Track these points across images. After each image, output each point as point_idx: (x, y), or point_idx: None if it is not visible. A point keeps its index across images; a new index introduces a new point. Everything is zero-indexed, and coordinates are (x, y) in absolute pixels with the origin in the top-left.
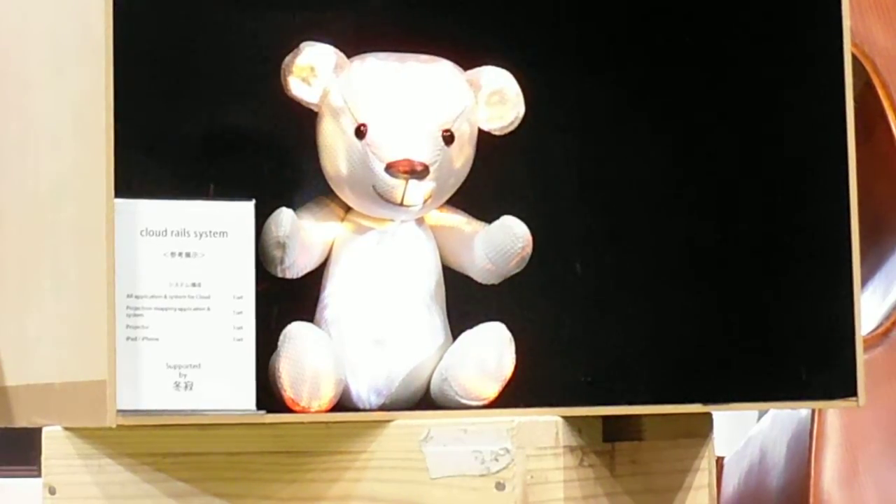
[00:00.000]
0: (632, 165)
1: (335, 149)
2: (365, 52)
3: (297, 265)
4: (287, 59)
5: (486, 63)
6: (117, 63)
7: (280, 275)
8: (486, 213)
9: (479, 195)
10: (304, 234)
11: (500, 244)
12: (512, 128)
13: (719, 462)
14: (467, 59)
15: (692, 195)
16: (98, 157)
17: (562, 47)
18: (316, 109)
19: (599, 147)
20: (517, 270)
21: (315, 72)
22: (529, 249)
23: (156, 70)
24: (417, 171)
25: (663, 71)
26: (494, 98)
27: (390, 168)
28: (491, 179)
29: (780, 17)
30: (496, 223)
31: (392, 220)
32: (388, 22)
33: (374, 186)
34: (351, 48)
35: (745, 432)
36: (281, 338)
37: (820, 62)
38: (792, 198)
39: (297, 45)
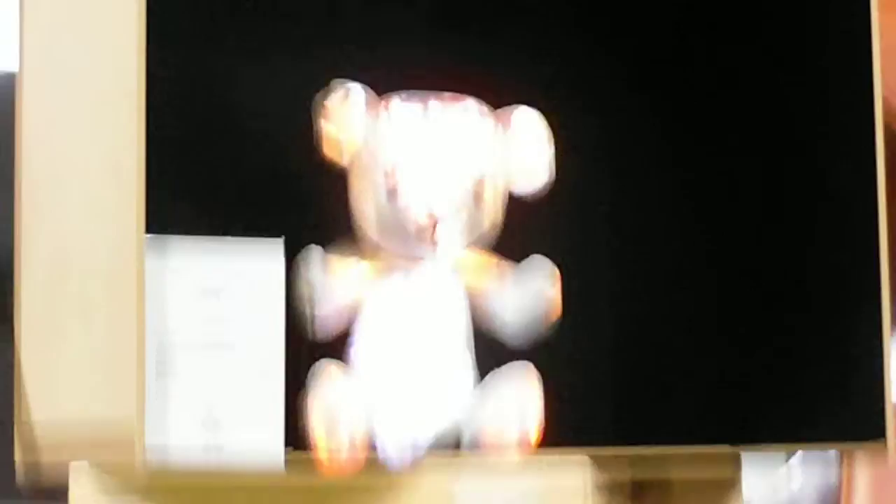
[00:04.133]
0: (662, 213)
1: (367, 196)
2: (398, 88)
3: (327, 308)
4: (318, 96)
5: (515, 103)
6: (150, 105)
7: (309, 312)
8: (515, 256)
9: (507, 237)
10: (334, 278)
11: (529, 287)
12: (543, 178)
13: None
14: (496, 98)
15: (722, 240)
16: (129, 195)
17: (597, 93)
18: (347, 159)
19: (629, 192)
20: (546, 312)
21: (346, 110)
22: (558, 290)
23: (187, 112)
24: (447, 218)
25: (698, 123)
26: (523, 137)
27: (421, 214)
28: (520, 222)
29: (811, 70)
30: (524, 265)
31: (422, 261)
32: (420, 59)
33: (404, 233)
34: (382, 86)
35: (774, 491)
36: (309, 376)
37: (852, 120)
38: (822, 241)
39: (327, 84)
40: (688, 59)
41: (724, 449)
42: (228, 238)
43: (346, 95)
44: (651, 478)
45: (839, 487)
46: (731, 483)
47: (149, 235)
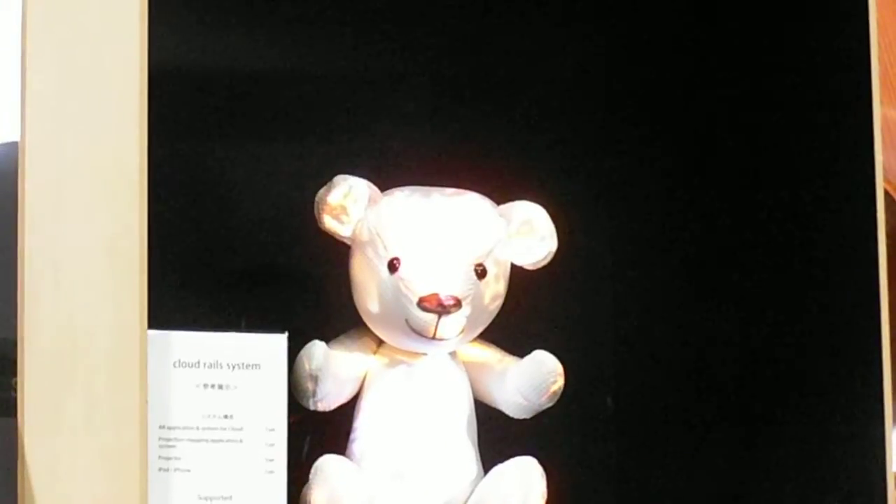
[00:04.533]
0: (666, 302)
1: (367, 283)
2: (399, 182)
3: (328, 398)
4: (321, 192)
5: (517, 198)
6: (151, 195)
7: (312, 408)
8: (519, 347)
9: (511, 328)
10: (336, 368)
11: (533, 379)
12: (544, 263)
13: None
14: (499, 192)
15: (726, 329)
16: (131, 288)
17: (598, 182)
18: (349, 243)
19: (632, 282)
20: (549, 405)
21: (348, 206)
22: (561, 384)
23: (189, 202)
24: (450, 307)
25: (699, 202)
26: (527, 233)
27: (423, 303)
28: (523, 313)
29: (812, 154)
30: (528, 358)
31: (424, 354)
32: (421, 153)
33: (406, 320)
34: (384, 180)
35: None
36: (312, 471)
37: (853, 197)
38: (823, 331)
39: (330, 178)
40: (695, 148)
41: None
42: (231, 334)
43: (349, 190)
44: None
45: None
46: None
47: (151, 331)
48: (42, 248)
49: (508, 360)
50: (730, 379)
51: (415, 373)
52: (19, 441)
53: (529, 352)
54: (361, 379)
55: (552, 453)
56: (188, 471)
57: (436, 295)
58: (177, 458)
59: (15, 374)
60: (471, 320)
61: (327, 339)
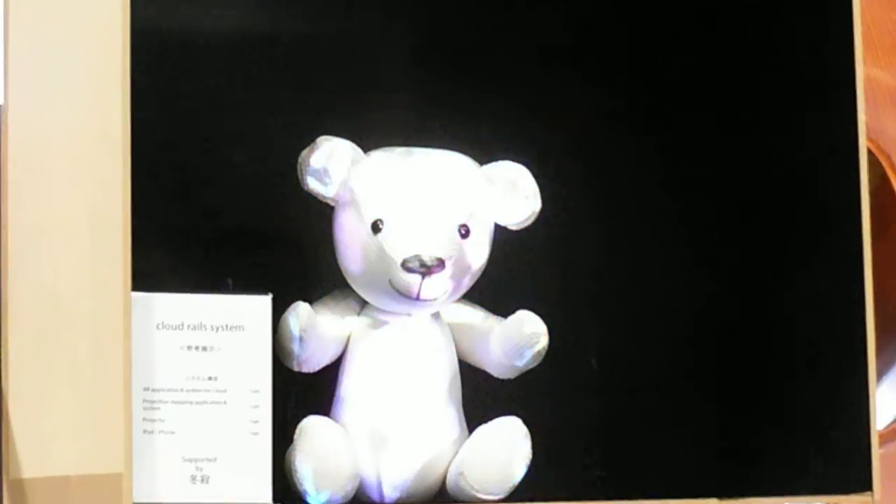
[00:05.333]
0: (649, 260)
1: (351, 244)
2: (381, 143)
3: (313, 359)
4: (303, 154)
5: (501, 157)
6: (134, 157)
7: (296, 369)
8: (502, 308)
9: (495, 289)
10: (320, 329)
11: (516, 340)
12: (528, 223)
13: None
14: (483, 153)
15: (708, 292)
16: (115, 249)
17: (580, 144)
18: (332, 204)
19: (616, 242)
20: (533, 365)
21: (331, 168)
22: (545, 344)
23: (172, 165)
24: (433, 267)
25: (683, 169)
26: (510, 192)
27: (406, 264)
28: (507, 273)
29: (796, 110)
30: (512, 318)
31: (408, 315)
32: (405, 114)
33: (390, 281)
34: (367, 141)
35: None
36: (297, 432)
37: (835, 155)
38: (807, 290)
39: (313, 139)
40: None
41: (712, 503)
42: (215, 296)
43: (332, 151)
44: None
45: None
46: None
47: (135, 293)
48: (25, 211)
49: (492, 321)
50: (713, 338)
51: (398, 334)
52: (3, 404)
53: (513, 312)
54: (345, 340)
55: (536, 414)
56: (172, 432)
57: (419, 256)
58: (161, 420)
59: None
60: (454, 280)
61: (311, 301)
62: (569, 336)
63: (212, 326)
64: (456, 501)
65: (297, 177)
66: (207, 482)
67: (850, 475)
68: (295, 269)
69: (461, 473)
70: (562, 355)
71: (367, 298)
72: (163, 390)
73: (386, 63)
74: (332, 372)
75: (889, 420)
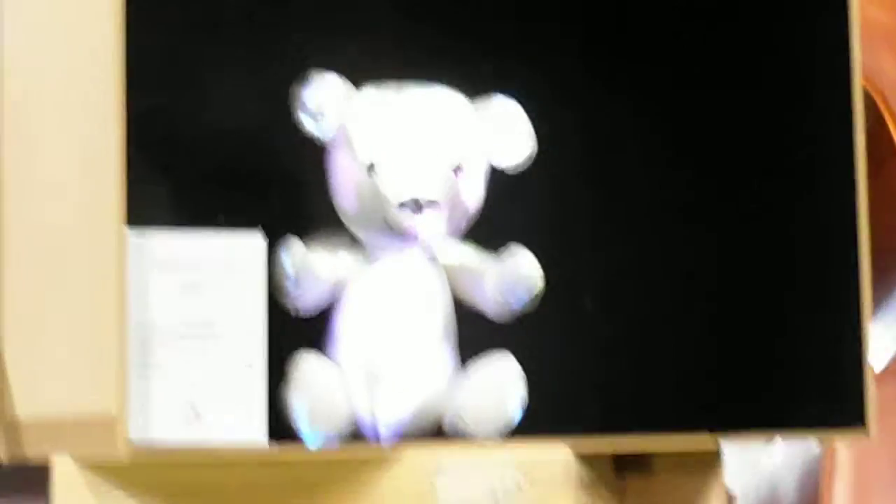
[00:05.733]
0: (643, 202)
1: (346, 184)
2: (373, 77)
3: (307, 297)
4: (296, 88)
5: (492, 93)
6: (128, 96)
7: (291, 307)
8: (498, 249)
9: (490, 230)
10: (315, 268)
11: (511, 280)
12: (523, 164)
13: (731, 499)
14: (474, 89)
15: (702, 230)
16: (110, 188)
17: (573, 80)
18: (326, 142)
19: (612, 184)
20: (528, 306)
21: (325, 104)
22: (541, 285)
23: (165, 104)
24: (428, 207)
25: (678, 108)
26: (504, 131)
27: (401, 203)
28: (503, 214)
29: (787, 50)
30: (507, 259)
31: (403, 254)
32: (398, 49)
33: (385, 220)
34: (358, 75)
35: (755, 467)
36: (292, 369)
37: (830, 94)
38: (802, 231)
39: (305, 74)
40: (670, 51)
41: (704, 438)
42: (208, 230)
43: (324, 85)
44: (633, 469)
45: (821, 459)
46: (713, 472)
47: (130, 229)
48: (18, 149)
49: (488, 262)
50: (708, 277)
51: (393, 273)
52: None
53: (509, 253)
54: (340, 279)
55: (531, 353)
56: (167, 371)
57: (414, 196)
58: (156, 359)
59: None
60: (449, 221)
61: (306, 240)
62: (564, 276)
63: (206, 265)
64: (452, 440)
65: (290, 115)
66: (202, 421)
67: (845, 411)
68: (290, 207)
69: (456, 412)
70: (557, 295)
71: (361, 237)
72: (157, 329)
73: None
74: (326, 310)
75: (889, 359)
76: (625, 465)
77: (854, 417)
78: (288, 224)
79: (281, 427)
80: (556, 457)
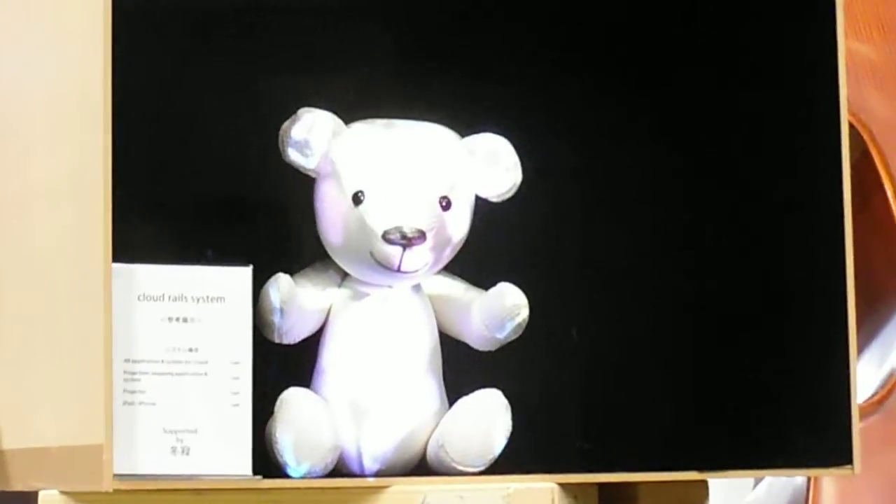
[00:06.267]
0: (631, 234)
1: (332, 215)
2: (363, 115)
3: (293, 331)
4: (285, 125)
5: (483, 130)
6: (115, 127)
7: (277, 340)
8: (484, 280)
9: (476, 262)
10: (301, 300)
11: (497, 311)
12: (509, 195)
13: None
14: (465, 126)
15: (689, 264)
16: (96, 221)
17: (563, 115)
18: (314, 175)
19: (599, 215)
20: (514, 337)
21: (312, 140)
22: (526, 316)
23: (154, 135)
24: (414, 239)
25: (668, 134)
26: (491, 163)
27: (387, 236)
28: (488, 246)
29: (777, 87)
30: (493, 290)
31: (389, 287)
32: (388, 86)
33: (371, 253)
34: (350, 113)
35: (741, 501)
36: (277, 403)
37: (817, 129)
38: (789, 265)
39: (295, 111)
40: (659, 82)
41: (692, 476)
42: (196, 267)
43: (314, 123)
44: None
45: (806, 491)
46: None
47: (116, 264)
48: (5, 181)
49: (473, 293)
50: (695, 312)
51: (379, 306)
52: None
53: (494, 284)
54: (326, 312)
55: (516, 386)
56: (153, 404)
57: (400, 227)
58: (141, 392)
59: None
60: (435, 252)
61: (292, 273)
62: (549, 307)
63: (192, 298)
64: (436, 473)
65: (278, 148)
66: (188, 454)
67: (831, 448)
68: (276, 240)
69: (441, 445)
70: (542, 327)
71: (347, 270)
72: (143, 361)
73: (367, 35)
74: (312, 343)
75: (869, 393)
76: (610, 499)
77: (840, 455)
78: (275, 257)
79: (267, 461)
80: (540, 489)
